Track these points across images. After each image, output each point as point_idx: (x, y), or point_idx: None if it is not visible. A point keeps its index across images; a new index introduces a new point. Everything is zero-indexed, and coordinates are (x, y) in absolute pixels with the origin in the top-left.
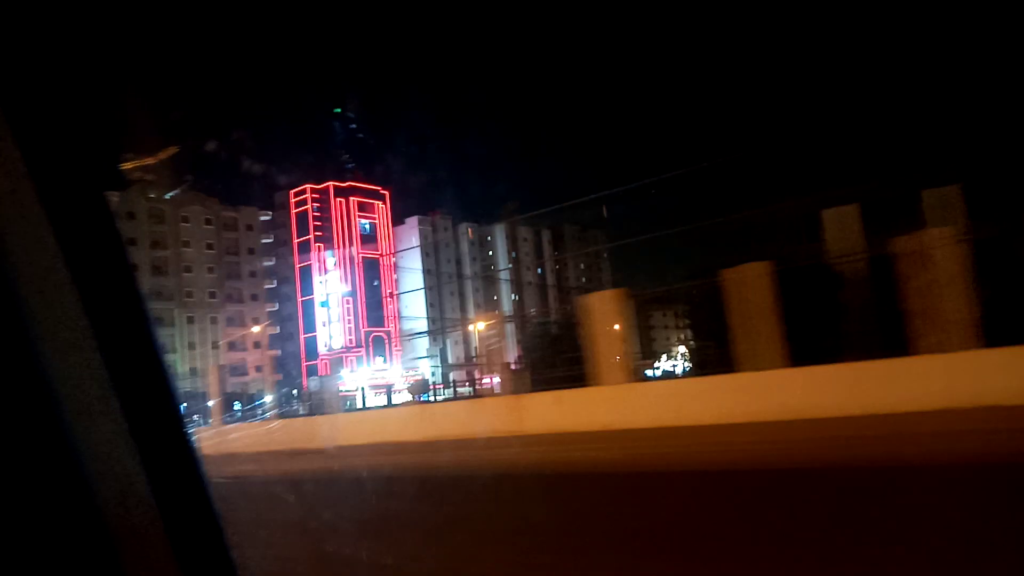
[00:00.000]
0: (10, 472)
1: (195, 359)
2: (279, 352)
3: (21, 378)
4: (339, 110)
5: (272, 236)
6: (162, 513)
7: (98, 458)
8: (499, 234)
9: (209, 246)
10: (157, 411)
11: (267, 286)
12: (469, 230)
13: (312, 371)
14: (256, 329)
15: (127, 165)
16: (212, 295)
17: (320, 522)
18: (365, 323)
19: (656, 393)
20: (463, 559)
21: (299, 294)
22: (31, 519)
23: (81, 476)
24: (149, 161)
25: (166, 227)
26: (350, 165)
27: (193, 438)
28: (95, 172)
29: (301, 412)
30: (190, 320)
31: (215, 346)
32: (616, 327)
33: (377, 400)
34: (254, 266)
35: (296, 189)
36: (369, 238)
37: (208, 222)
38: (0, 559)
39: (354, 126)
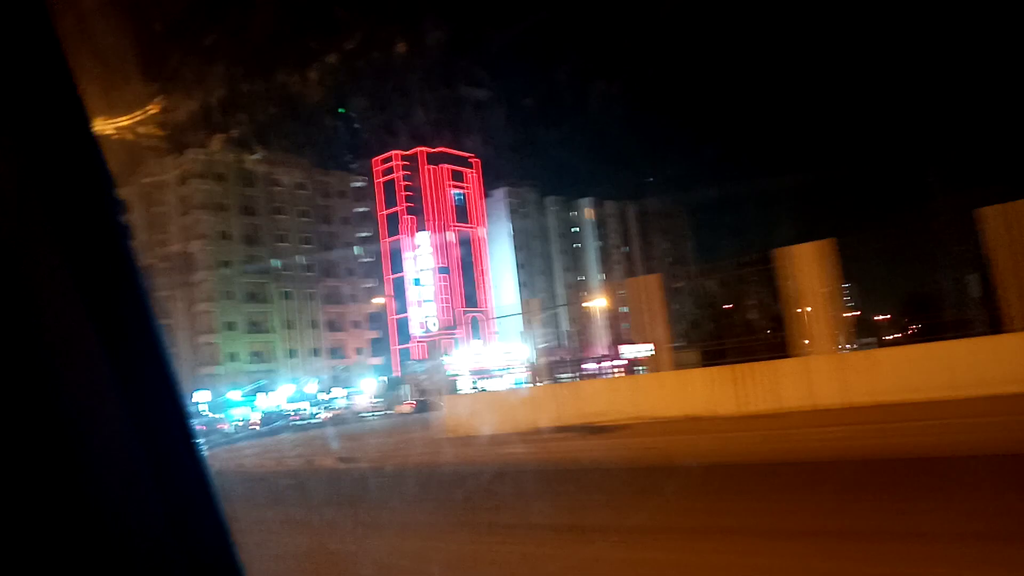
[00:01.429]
0: (14, 473)
1: (294, 339)
2: (379, 334)
3: (24, 378)
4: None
5: (367, 206)
6: (168, 514)
7: (102, 458)
8: (586, 209)
9: (303, 213)
10: (163, 411)
11: (364, 260)
12: (588, 210)
13: (404, 355)
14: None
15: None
16: (308, 268)
17: None
18: (463, 303)
19: (893, 361)
20: None
21: (387, 271)
22: (35, 520)
23: (85, 477)
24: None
25: (257, 191)
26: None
27: (198, 437)
28: (99, 161)
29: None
30: (287, 296)
31: (314, 325)
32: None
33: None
34: (350, 238)
35: (382, 156)
36: (461, 210)
37: (301, 187)
38: (5, 561)
39: (440, 88)
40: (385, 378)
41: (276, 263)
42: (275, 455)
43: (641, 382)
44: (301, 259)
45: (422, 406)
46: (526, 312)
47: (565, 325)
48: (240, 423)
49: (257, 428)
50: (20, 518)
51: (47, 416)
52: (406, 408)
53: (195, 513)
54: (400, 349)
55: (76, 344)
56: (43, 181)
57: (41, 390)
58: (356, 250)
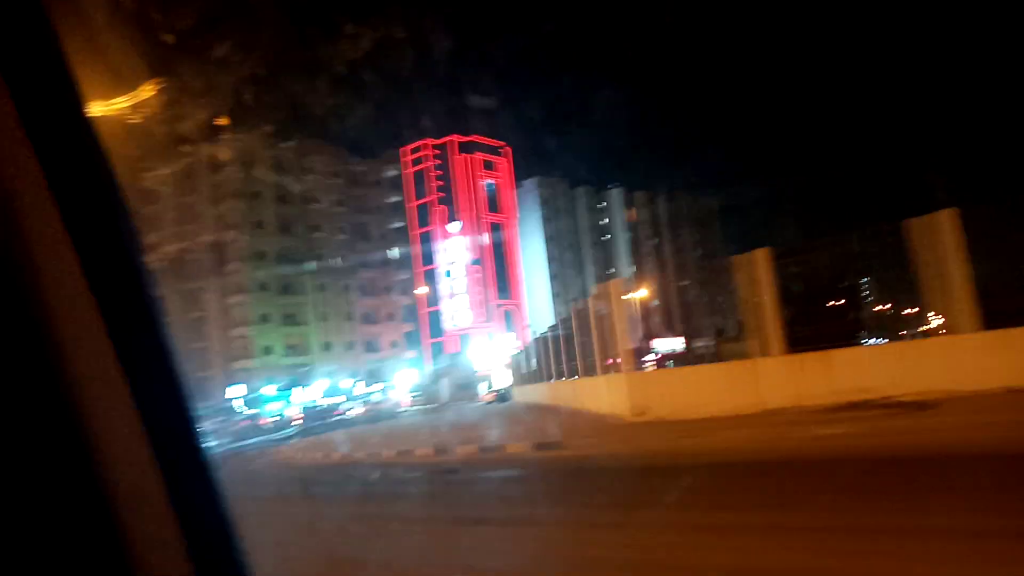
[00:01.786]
0: (19, 471)
1: (329, 332)
2: (413, 327)
3: (30, 376)
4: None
5: (400, 195)
6: (175, 513)
7: (108, 457)
8: (616, 199)
9: (337, 203)
10: (168, 409)
11: (398, 251)
12: (631, 211)
13: (437, 349)
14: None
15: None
16: (342, 259)
17: None
18: (496, 295)
19: None
20: None
21: (418, 263)
22: (40, 518)
23: (91, 475)
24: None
25: (290, 179)
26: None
27: (204, 437)
28: (100, 150)
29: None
30: (321, 288)
31: (348, 317)
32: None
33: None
34: (383, 228)
35: (411, 145)
36: (493, 200)
37: (335, 175)
38: (10, 559)
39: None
40: (434, 370)
41: (310, 263)
42: (427, 447)
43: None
44: (335, 250)
45: (502, 396)
46: (615, 294)
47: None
48: (280, 418)
49: (301, 423)
50: (26, 516)
51: (54, 414)
52: (489, 397)
53: (202, 512)
54: (432, 343)
55: (85, 340)
56: (48, 177)
57: (48, 386)
58: (391, 253)
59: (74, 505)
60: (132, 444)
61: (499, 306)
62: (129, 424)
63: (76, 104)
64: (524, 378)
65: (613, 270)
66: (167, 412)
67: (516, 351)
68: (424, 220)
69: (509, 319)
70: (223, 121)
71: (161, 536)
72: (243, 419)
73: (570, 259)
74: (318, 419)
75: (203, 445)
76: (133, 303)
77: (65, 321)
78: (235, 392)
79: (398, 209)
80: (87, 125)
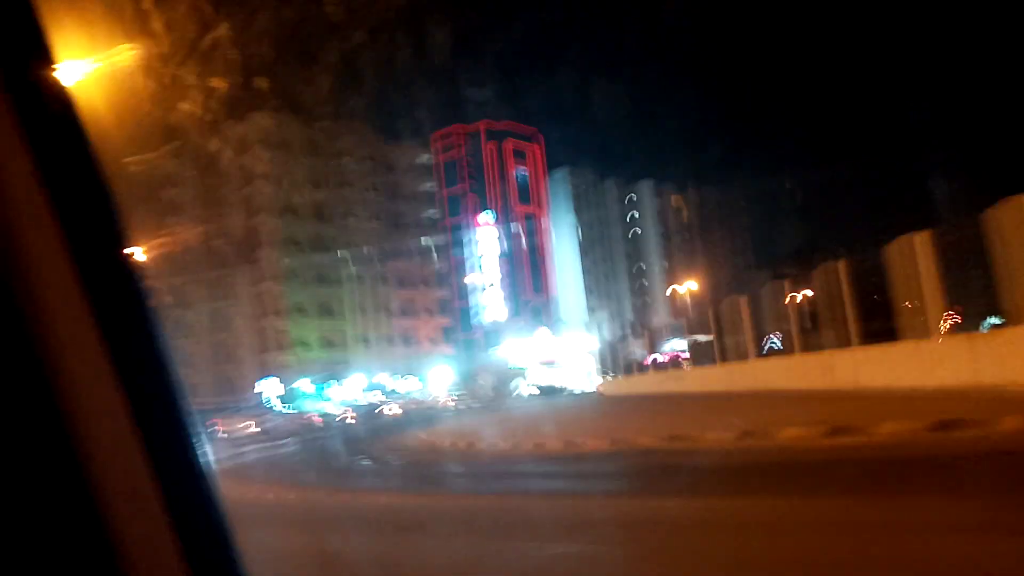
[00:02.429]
0: (12, 472)
1: (367, 325)
2: (450, 321)
3: (23, 375)
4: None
5: (433, 182)
6: (169, 515)
7: (102, 458)
8: (646, 193)
9: (372, 188)
10: (162, 409)
11: (434, 241)
12: (674, 197)
13: (468, 345)
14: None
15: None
16: (378, 248)
17: None
18: (530, 290)
19: None
20: None
21: (450, 255)
22: (34, 520)
23: (85, 476)
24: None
25: (322, 162)
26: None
27: (198, 437)
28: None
29: None
30: (357, 278)
31: (385, 310)
32: None
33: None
34: (418, 216)
35: (441, 131)
36: (524, 190)
37: (369, 158)
38: (3, 561)
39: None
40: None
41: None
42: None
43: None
44: (369, 238)
45: (547, 391)
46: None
47: (629, 314)
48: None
49: (354, 422)
50: (18, 517)
51: (45, 415)
52: (533, 391)
53: (197, 514)
54: (463, 339)
55: (77, 340)
56: (42, 174)
57: (40, 388)
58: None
59: (66, 507)
60: (124, 445)
61: (532, 301)
62: (121, 424)
63: (67, 101)
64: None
65: (643, 264)
66: (160, 411)
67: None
68: (456, 210)
69: (541, 314)
70: (258, 93)
71: (155, 539)
72: (292, 415)
73: (601, 253)
74: (369, 418)
75: (197, 445)
76: (126, 302)
77: (57, 322)
78: (267, 386)
79: (432, 197)
80: (76, 119)
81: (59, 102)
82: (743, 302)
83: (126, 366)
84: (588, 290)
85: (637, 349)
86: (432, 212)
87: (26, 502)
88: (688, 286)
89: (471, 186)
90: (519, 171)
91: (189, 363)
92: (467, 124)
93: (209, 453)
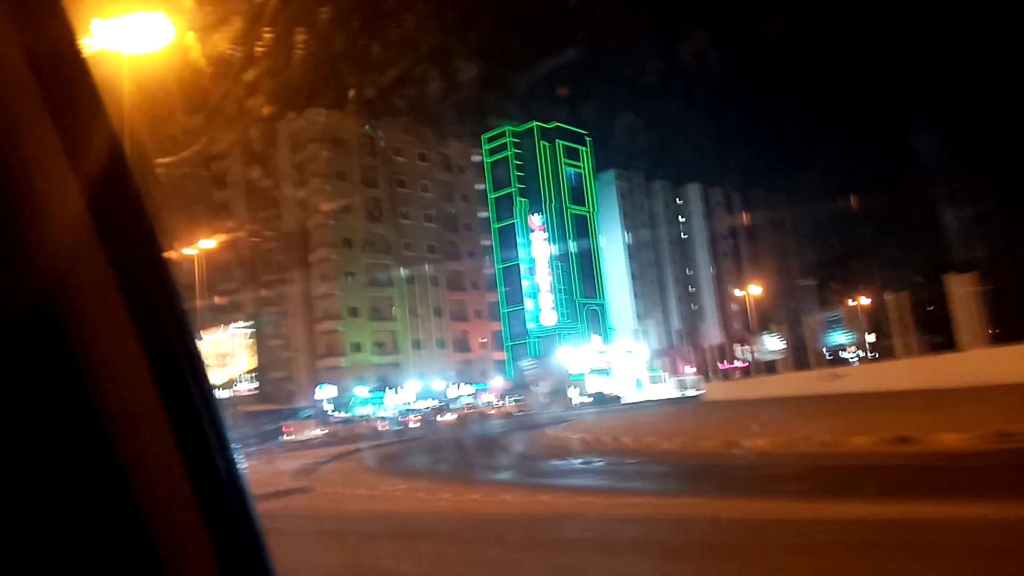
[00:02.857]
0: (52, 476)
1: (418, 329)
2: (501, 326)
3: (62, 382)
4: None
5: (484, 183)
6: (204, 519)
7: (140, 463)
8: (693, 196)
9: (425, 188)
10: (199, 414)
11: (485, 243)
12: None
13: (520, 350)
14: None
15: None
16: (431, 249)
17: None
18: (583, 294)
19: None
20: None
21: (499, 258)
22: (72, 522)
23: (122, 481)
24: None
25: (378, 161)
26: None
27: (233, 443)
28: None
29: None
30: (410, 281)
31: (438, 313)
32: None
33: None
34: (471, 218)
35: (491, 132)
36: (577, 191)
37: (422, 158)
38: (41, 563)
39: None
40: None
41: (400, 252)
42: None
43: None
44: (423, 239)
45: (598, 398)
46: (894, 307)
47: (676, 323)
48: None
49: (417, 426)
50: (56, 519)
51: (84, 421)
52: (585, 399)
53: (231, 521)
54: (515, 344)
55: (114, 343)
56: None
57: (78, 395)
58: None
59: (104, 513)
60: (161, 449)
61: (585, 306)
62: (159, 431)
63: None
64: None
65: (691, 271)
66: (197, 415)
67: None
68: (506, 212)
69: (592, 319)
70: (314, 89)
71: (190, 545)
72: (358, 420)
73: (649, 258)
74: (428, 424)
75: (233, 452)
76: (163, 310)
77: (98, 338)
78: (324, 393)
79: (483, 198)
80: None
81: (94, 110)
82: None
83: (161, 370)
84: (636, 296)
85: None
86: (483, 213)
87: (64, 506)
88: (752, 290)
89: (522, 188)
90: (570, 172)
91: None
92: (517, 126)
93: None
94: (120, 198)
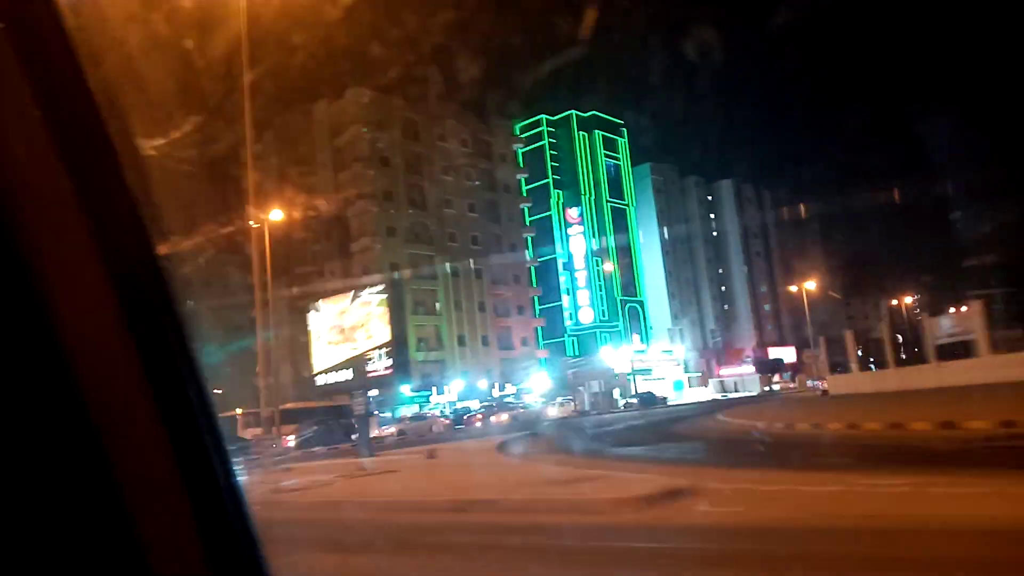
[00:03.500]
0: (42, 474)
1: (462, 324)
2: (544, 322)
3: (52, 379)
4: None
5: (528, 172)
6: (195, 517)
7: (130, 460)
8: (726, 192)
9: (468, 176)
10: (190, 411)
11: (526, 235)
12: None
13: (560, 349)
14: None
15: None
16: (474, 241)
17: None
18: (623, 291)
19: None
20: None
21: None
22: (61, 520)
23: (112, 478)
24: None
25: (421, 146)
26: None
27: (223, 438)
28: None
29: None
30: (454, 274)
31: (482, 308)
32: None
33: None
34: (512, 209)
35: (525, 121)
36: (614, 183)
37: (464, 144)
38: (29, 562)
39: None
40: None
41: (443, 243)
42: None
43: None
44: (465, 229)
45: (647, 399)
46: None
47: (710, 323)
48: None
49: (480, 424)
50: (46, 517)
51: (74, 416)
52: (632, 400)
53: (222, 515)
54: (555, 343)
55: (103, 337)
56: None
57: (68, 388)
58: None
59: (92, 506)
60: (151, 444)
61: (625, 303)
62: (149, 425)
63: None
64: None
65: (721, 270)
66: (187, 413)
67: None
68: (543, 204)
69: (631, 317)
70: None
71: (179, 540)
72: (427, 419)
73: (683, 255)
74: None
75: (225, 447)
76: (157, 310)
77: (87, 331)
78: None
79: (522, 188)
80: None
81: (80, 98)
82: None
83: (153, 367)
84: (672, 296)
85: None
86: (525, 204)
87: (52, 501)
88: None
89: (557, 179)
90: (609, 164)
91: (278, 364)
92: (552, 115)
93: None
94: (113, 196)
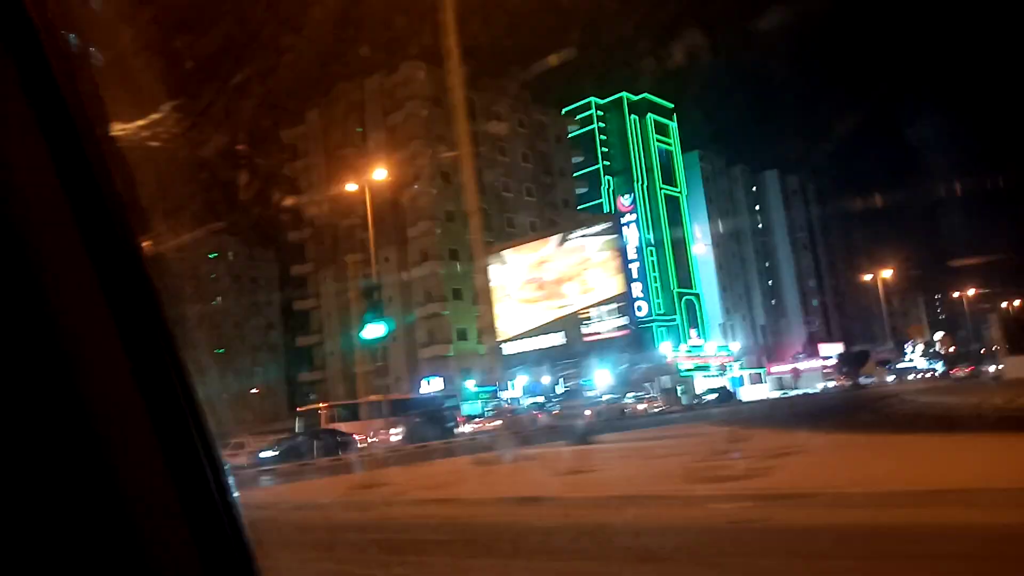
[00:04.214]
0: (38, 477)
1: None
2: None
3: (47, 383)
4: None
5: (581, 156)
6: (187, 520)
7: (123, 463)
8: (771, 183)
9: (525, 158)
10: (182, 414)
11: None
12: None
13: (612, 346)
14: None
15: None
16: (532, 228)
17: None
18: (678, 284)
19: None
20: None
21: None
22: (58, 522)
23: (107, 481)
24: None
25: (478, 125)
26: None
27: (215, 442)
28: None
29: None
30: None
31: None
32: None
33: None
34: (568, 194)
35: (574, 105)
36: (666, 169)
37: (522, 124)
38: (26, 564)
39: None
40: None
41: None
42: None
43: None
44: (524, 213)
45: (724, 395)
46: None
47: (761, 320)
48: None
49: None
50: (43, 519)
51: (68, 418)
52: (711, 397)
53: (214, 517)
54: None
55: (99, 347)
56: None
57: (60, 392)
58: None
59: (87, 508)
60: (143, 447)
61: (681, 296)
62: (141, 427)
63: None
64: None
65: (768, 263)
66: (180, 416)
67: None
68: (594, 190)
69: (688, 311)
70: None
71: (173, 541)
72: (525, 414)
73: (732, 247)
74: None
75: (217, 450)
76: (139, 301)
77: (81, 335)
78: (433, 387)
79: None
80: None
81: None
82: None
83: (142, 366)
84: (723, 289)
85: None
86: (581, 189)
87: (49, 503)
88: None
89: (607, 164)
90: (661, 149)
91: (328, 361)
92: (601, 98)
93: None
94: (98, 193)
